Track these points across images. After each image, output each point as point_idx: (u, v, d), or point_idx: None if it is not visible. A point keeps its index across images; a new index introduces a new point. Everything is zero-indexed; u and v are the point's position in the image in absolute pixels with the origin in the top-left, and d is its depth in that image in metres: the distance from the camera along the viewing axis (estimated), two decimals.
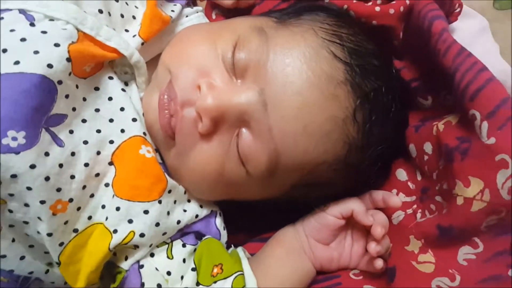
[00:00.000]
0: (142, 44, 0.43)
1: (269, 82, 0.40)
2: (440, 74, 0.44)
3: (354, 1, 0.49)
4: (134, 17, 0.45)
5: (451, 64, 0.42)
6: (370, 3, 0.50)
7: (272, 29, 0.44)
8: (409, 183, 0.50)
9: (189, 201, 0.46)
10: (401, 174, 0.51)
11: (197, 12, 0.52)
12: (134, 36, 0.43)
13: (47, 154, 0.36)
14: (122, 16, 0.43)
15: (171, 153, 0.43)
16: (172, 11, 0.48)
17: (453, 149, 0.41)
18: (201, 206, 0.47)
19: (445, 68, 0.43)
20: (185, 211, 0.44)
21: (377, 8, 0.49)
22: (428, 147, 0.47)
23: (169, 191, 0.43)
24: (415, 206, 0.49)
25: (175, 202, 0.44)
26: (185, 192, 0.45)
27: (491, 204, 0.38)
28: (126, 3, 0.44)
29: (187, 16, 0.51)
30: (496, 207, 0.38)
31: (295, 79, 0.40)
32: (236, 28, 0.45)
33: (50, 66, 0.35)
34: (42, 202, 0.36)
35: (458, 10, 0.52)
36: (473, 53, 0.42)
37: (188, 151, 0.42)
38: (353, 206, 0.47)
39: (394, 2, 0.49)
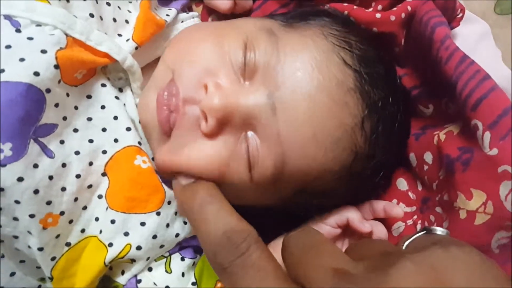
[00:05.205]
0: (136, 48, 0.42)
1: (278, 86, 0.38)
2: (442, 82, 0.43)
3: (355, 7, 0.48)
4: (127, 21, 0.43)
5: (453, 72, 0.41)
6: (370, 10, 0.49)
7: (281, 31, 0.42)
8: (409, 193, 0.49)
9: None
10: (402, 183, 0.50)
11: (193, 18, 0.51)
12: (127, 40, 0.42)
13: (36, 166, 0.34)
14: (114, 20, 0.42)
15: (163, 149, 0.41)
16: (167, 15, 0.46)
17: (454, 159, 0.41)
18: None
19: (447, 76, 0.42)
20: (185, 223, 0.43)
21: (378, 15, 0.48)
22: (428, 157, 0.46)
23: (169, 202, 0.41)
24: (415, 217, 0.48)
25: (175, 214, 0.42)
26: None
27: (495, 217, 0.37)
28: (119, 7, 0.43)
29: (182, 22, 0.49)
30: (501, 220, 0.37)
31: (305, 83, 0.38)
32: (242, 27, 0.43)
33: (36, 74, 0.34)
34: (32, 216, 0.35)
35: (460, 15, 0.51)
36: (475, 58, 0.41)
37: (183, 147, 0.39)
38: (349, 214, 0.46)
39: (395, 8, 0.48)
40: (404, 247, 0.27)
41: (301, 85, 0.38)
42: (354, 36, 0.44)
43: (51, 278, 0.38)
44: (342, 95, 0.39)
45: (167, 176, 0.42)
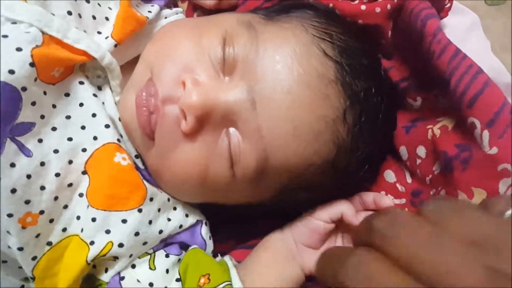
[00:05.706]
0: (116, 46, 0.41)
1: (258, 80, 0.38)
2: (431, 74, 0.43)
3: (340, 0, 0.48)
4: (107, 19, 0.43)
5: (446, 68, 0.40)
6: (356, 2, 0.48)
7: (261, 24, 0.42)
8: (397, 185, 0.49)
9: (175, 208, 0.44)
10: (389, 175, 0.50)
11: (177, 14, 0.50)
12: (106, 37, 0.41)
13: (13, 165, 0.34)
14: (94, 17, 0.41)
15: (151, 154, 0.41)
16: (149, 12, 0.46)
17: (452, 157, 0.40)
18: (186, 215, 0.45)
19: (439, 71, 0.41)
20: (169, 220, 0.43)
21: (363, 7, 0.47)
22: (421, 151, 0.46)
23: (151, 199, 0.41)
24: (406, 209, 0.47)
25: (159, 210, 0.42)
26: (168, 200, 0.43)
27: None
28: (99, 4, 0.42)
29: (166, 18, 0.49)
30: None
31: (285, 77, 0.38)
32: (222, 22, 0.42)
33: (11, 72, 0.33)
34: (10, 215, 0.34)
35: (448, 5, 0.50)
36: (464, 49, 0.40)
37: (169, 152, 0.39)
38: (342, 208, 0.45)
39: (380, 0, 0.47)
40: None
41: (280, 79, 0.38)
42: (336, 27, 0.43)
43: (33, 278, 0.38)
44: (323, 87, 0.39)
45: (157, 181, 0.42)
